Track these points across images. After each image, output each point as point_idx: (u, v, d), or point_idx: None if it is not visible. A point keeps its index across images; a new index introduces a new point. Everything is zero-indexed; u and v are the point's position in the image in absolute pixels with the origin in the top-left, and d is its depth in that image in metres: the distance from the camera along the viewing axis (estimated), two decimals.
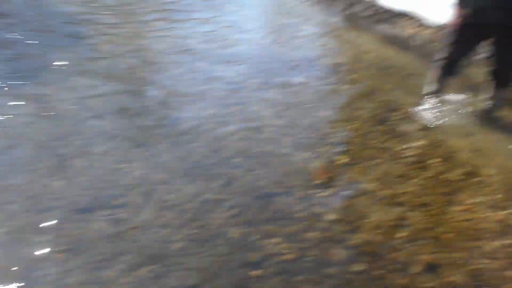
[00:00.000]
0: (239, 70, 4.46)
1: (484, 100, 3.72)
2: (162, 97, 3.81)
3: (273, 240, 2.37)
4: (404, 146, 3.21)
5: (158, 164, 2.94)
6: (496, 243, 2.38)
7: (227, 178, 2.84)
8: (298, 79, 4.27)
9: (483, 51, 4.32)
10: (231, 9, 6.61)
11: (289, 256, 2.27)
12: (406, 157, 3.10)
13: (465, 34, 3.34)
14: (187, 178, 2.83)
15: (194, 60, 4.64)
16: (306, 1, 7.29)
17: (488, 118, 3.60)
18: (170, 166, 2.93)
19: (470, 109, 3.72)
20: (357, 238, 2.40)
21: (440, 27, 4.39)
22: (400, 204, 2.66)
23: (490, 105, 3.64)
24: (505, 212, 2.60)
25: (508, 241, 2.39)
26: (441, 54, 3.57)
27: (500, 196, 2.72)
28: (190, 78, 4.21)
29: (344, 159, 3.06)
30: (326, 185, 2.81)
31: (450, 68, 3.56)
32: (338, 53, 5.06)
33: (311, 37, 5.58)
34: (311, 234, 2.42)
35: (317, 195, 2.72)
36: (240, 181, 2.82)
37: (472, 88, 4.12)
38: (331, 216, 2.55)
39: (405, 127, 3.44)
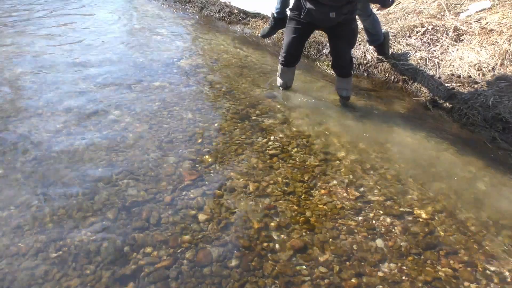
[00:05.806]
0: (95, 78, 4.22)
1: (333, 89, 4.04)
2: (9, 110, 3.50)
3: (146, 250, 2.29)
4: (267, 140, 3.33)
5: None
6: (358, 218, 2.60)
7: (91, 192, 2.67)
8: (157, 82, 4.18)
9: (327, 46, 4.70)
10: (85, 15, 6.29)
11: (164, 263, 2.22)
12: (269, 149, 3.22)
13: (294, 32, 3.64)
14: (44, 196, 2.63)
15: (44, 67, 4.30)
16: (160, 4, 7.18)
17: (337, 105, 3.91)
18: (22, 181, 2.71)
19: (321, 97, 4.01)
20: (230, 234, 2.43)
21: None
22: (267, 195, 2.75)
23: (338, 93, 3.95)
24: (360, 190, 2.85)
25: (366, 216, 2.63)
26: (282, 49, 3.84)
27: (353, 176, 2.98)
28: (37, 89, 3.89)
29: (211, 158, 3.08)
30: (195, 185, 2.79)
31: (289, 60, 3.85)
32: (196, 55, 5.07)
33: (169, 39, 5.51)
34: (184, 237, 2.39)
35: (187, 197, 2.69)
36: (106, 193, 2.67)
37: (321, 78, 4.46)
38: (203, 217, 2.54)
39: (266, 121, 3.58)
